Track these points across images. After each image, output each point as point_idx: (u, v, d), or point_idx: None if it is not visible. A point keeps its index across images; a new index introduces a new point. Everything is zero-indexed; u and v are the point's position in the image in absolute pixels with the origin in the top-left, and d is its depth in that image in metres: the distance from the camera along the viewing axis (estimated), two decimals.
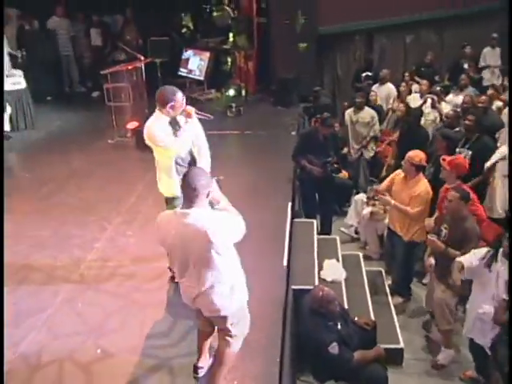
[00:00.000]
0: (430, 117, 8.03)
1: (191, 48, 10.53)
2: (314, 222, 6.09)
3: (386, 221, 6.15)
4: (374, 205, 6.70)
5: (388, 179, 5.76)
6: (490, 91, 8.30)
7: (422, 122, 7.77)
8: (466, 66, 10.21)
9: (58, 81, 10.76)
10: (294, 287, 4.66)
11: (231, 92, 9.36)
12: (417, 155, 5.33)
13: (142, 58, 8.33)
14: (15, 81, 8.65)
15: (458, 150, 6.12)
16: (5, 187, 6.52)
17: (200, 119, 4.23)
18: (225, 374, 3.35)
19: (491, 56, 10.69)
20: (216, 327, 3.34)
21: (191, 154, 4.18)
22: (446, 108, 7.79)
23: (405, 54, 11.29)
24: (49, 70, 10.29)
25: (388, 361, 4.60)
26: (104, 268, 4.78)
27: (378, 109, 8.33)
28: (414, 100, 8.38)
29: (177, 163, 4.06)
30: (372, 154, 8.22)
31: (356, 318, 4.58)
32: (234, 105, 9.24)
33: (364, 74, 10.03)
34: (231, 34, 10.83)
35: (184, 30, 12.49)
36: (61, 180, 6.74)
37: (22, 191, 6.54)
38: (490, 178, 6.06)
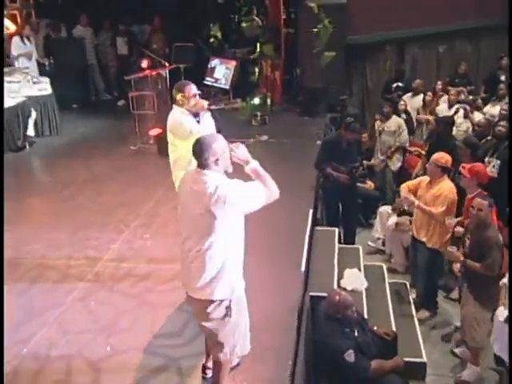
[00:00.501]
0: (462, 127, 7.96)
1: (218, 57, 10.70)
2: (336, 230, 6.08)
3: None
4: (399, 215, 6.64)
5: (414, 181, 5.73)
6: None
7: (454, 132, 7.70)
8: (503, 77, 10.08)
9: (84, 89, 11.07)
10: (311, 294, 4.66)
11: (256, 100, 9.44)
12: (442, 157, 5.33)
13: (167, 64, 8.50)
14: (41, 87, 8.97)
15: (486, 159, 6.05)
16: (25, 190, 6.78)
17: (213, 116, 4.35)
18: (226, 376, 3.34)
19: None
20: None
21: None
22: (478, 117, 7.70)
23: (437, 64, 11.22)
24: (76, 78, 10.60)
25: (409, 375, 4.53)
26: (119, 268, 4.88)
27: (406, 118, 8.28)
28: (443, 111, 8.31)
29: None
30: (398, 165, 8.14)
31: (375, 328, 4.52)
32: (258, 114, 9.32)
33: (394, 85, 10.01)
34: (258, 44, 10.97)
35: (212, 40, 12.72)
36: (81, 184, 6.92)
37: (43, 194, 6.75)
38: None
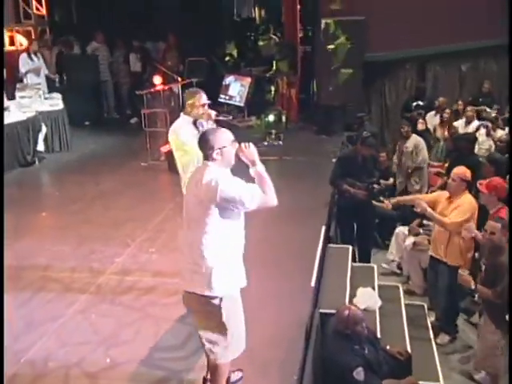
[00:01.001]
0: (484, 145, 7.96)
1: (232, 74, 10.89)
2: (350, 247, 6.05)
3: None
4: (417, 234, 6.60)
5: (432, 195, 5.70)
6: None
7: (476, 150, 7.69)
8: None
9: (97, 106, 11.33)
10: (321, 311, 4.63)
11: (271, 117, 9.54)
12: (465, 170, 5.33)
13: (180, 79, 8.67)
14: (53, 102, 9.21)
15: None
16: (33, 204, 6.91)
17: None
18: (224, 380, 3.35)
19: None
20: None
21: None
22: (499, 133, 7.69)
23: (460, 83, 11.25)
24: (88, 95, 10.87)
25: None
26: (122, 282, 4.92)
27: (425, 135, 8.28)
28: (460, 128, 8.31)
29: None
30: (417, 187, 8.08)
31: (388, 347, 4.47)
32: (273, 131, 9.41)
33: (415, 104, 10.06)
34: (274, 62, 11.15)
35: (227, 59, 12.96)
36: (89, 199, 7.05)
37: (50, 208, 6.89)
38: None
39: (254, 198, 3.01)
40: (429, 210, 5.38)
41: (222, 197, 2.94)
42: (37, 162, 8.54)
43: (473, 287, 4.50)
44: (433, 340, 5.43)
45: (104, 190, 7.41)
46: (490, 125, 7.93)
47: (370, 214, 6.75)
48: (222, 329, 3.14)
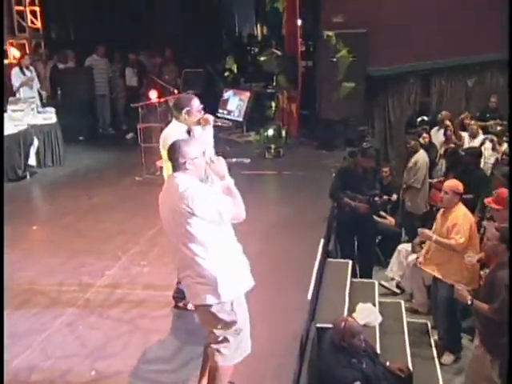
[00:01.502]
0: (490, 160, 7.97)
1: (231, 88, 11.00)
2: (350, 262, 6.04)
3: None
4: (420, 251, 6.57)
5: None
6: None
7: (482, 164, 7.72)
8: None
9: (92, 121, 11.42)
10: (318, 325, 4.62)
11: (270, 132, 9.62)
12: (458, 183, 5.46)
13: (176, 91, 8.78)
14: (46, 116, 9.30)
15: None
16: (22, 217, 6.94)
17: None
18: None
19: None
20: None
21: None
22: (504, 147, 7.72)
23: (466, 97, 11.30)
24: (83, 110, 10.99)
25: None
26: (112, 294, 4.92)
27: (430, 150, 8.32)
28: (466, 142, 8.37)
29: None
30: (408, 205, 8.09)
31: (388, 363, 4.44)
32: (272, 146, 9.47)
33: (419, 119, 10.11)
34: (275, 77, 11.25)
35: (227, 74, 13.08)
36: (82, 212, 7.09)
37: (41, 221, 6.95)
38: None
39: (228, 209, 3.12)
40: (434, 237, 5.42)
41: (198, 205, 3.01)
42: (28, 177, 8.59)
43: (469, 302, 4.38)
44: (436, 359, 5.41)
45: (97, 203, 7.45)
46: (495, 139, 7.96)
47: (371, 227, 6.75)
48: (236, 330, 3.21)
